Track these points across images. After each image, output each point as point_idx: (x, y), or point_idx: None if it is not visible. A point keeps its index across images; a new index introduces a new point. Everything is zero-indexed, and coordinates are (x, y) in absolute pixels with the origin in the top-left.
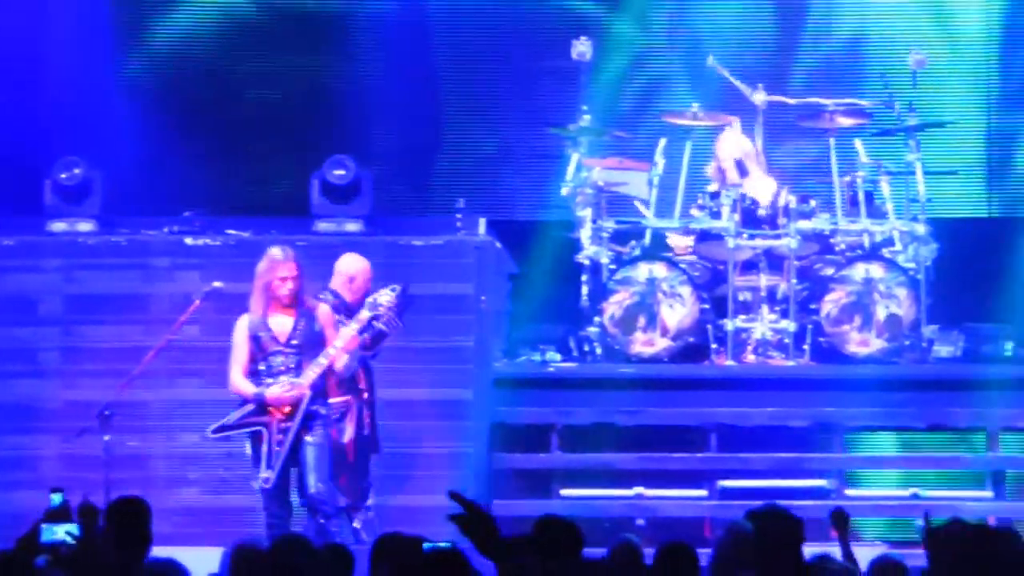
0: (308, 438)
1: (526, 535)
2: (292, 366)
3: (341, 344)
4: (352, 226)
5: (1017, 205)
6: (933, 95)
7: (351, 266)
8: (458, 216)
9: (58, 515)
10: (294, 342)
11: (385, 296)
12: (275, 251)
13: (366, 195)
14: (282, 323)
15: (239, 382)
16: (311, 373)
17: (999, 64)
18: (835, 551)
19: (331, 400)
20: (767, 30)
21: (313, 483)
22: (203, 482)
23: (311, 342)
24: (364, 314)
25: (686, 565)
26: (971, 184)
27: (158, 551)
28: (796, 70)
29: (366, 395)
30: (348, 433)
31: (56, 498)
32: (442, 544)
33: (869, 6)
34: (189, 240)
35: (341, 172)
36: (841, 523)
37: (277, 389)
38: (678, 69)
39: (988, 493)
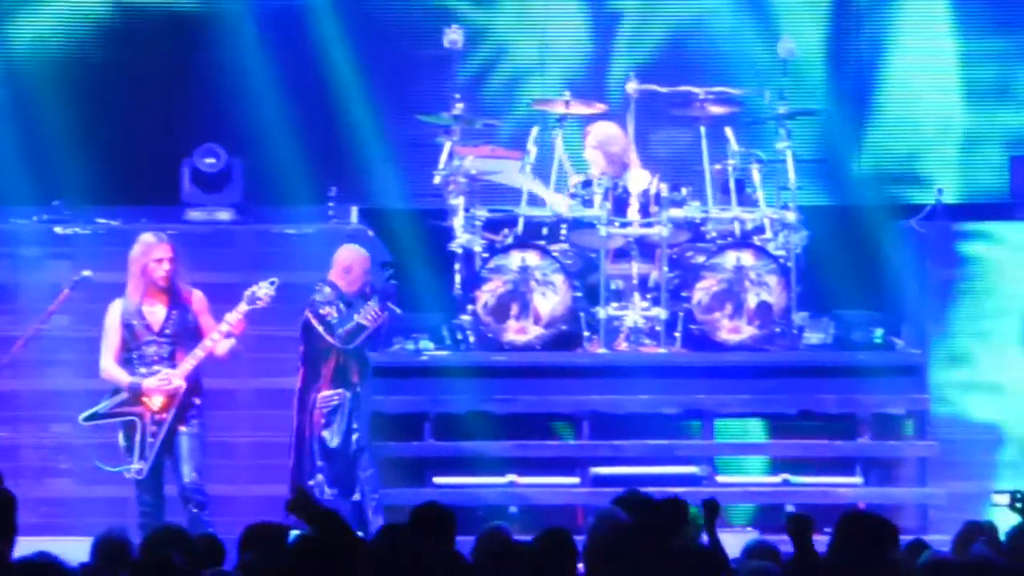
0: (183, 428)
1: (402, 523)
2: (165, 356)
3: (227, 328)
4: (223, 215)
5: (885, 192)
6: (804, 83)
7: (347, 257)
8: (330, 204)
9: None
10: (167, 331)
11: (263, 289)
12: (147, 236)
13: (237, 183)
14: (155, 312)
15: (112, 369)
16: (187, 364)
17: (870, 52)
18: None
19: (323, 393)
20: (640, 17)
21: (187, 473)
22: (74, 472)
23: (185, 331)
24: (242, 307)
25: (564, 551)
26: (841, 172)
27: (29, 542)
28: (668, 58)
29: (359, 389)
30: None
31: None
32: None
33: None
34: (59, 229)
35: (212, 160)
36: (711, 512)
37: (154, 381)
38: (550, 57)
39: (858, 479)
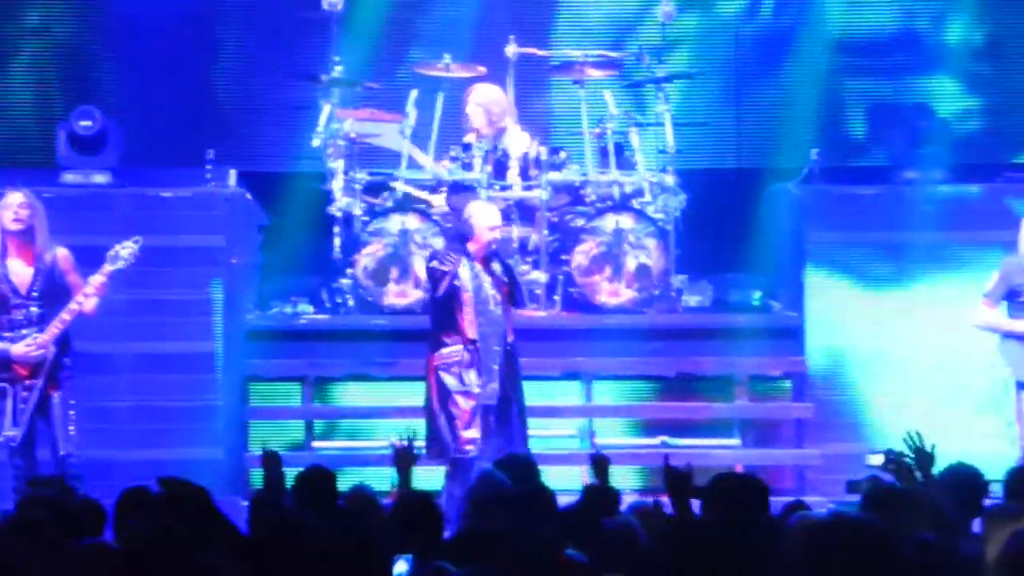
0: (55, 393)
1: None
2: (35, 319)
3: (91, 291)
4: (100, 177)
5: (764, 156)
6: (682, 46)
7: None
8: (208, 167)
9: None
10: (34, 293)
11: (127, 249)
12: (7, 192)
13: (114, 146)
14: (21, 274)
15: None
16: (55, 327)
17: (747, 15)
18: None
19: (445, 350)
20: None
21: (62, 445)
22: None
23: (53, 291)
24: (106, 267)
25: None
26: (719, 135)
27: None
28: (546, 21)
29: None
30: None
31: None
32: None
33: None
34: None
35: (88, 123)
36: (601, 468)
37: (21, 347)
38: (429, 20)
39: (736, 441)
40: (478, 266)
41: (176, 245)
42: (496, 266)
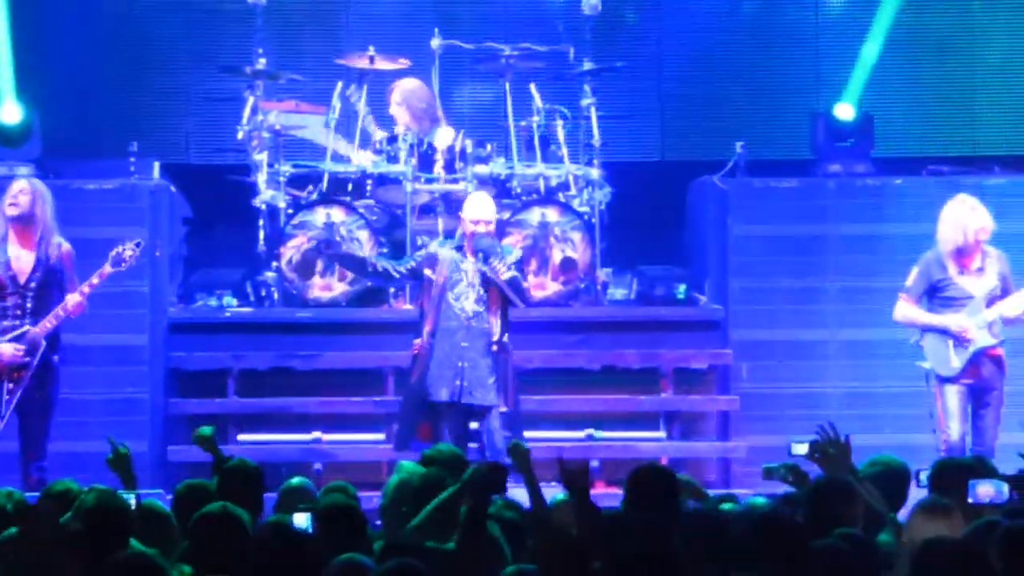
0: (39, 393)
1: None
2: (27, 312)
3: (88, 290)
4: (23, 170)
5: (688, 149)
6: (607, 39)
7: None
8: (131, 159)
9: None
10: (32, 284)
11: (128, 251)
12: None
13: (36, 138)
14: (23, 260)
15: None
16: (48, 323)
17: (671, 8)
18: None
19: (417, 340)
20: None
21: (33, 450)
22: None
23: (49, 284)
24: (107, 268)
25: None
26: (644, 128)
27: None
28: (472, 14)
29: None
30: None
31: None
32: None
33: None
34: None
35: (11, 115)
36: (520, 457)
37: (9, 348)
38: (354, 12)
39: (661, 433)
40: (469, 258)
41: (100, 237)
42: (493, 264)
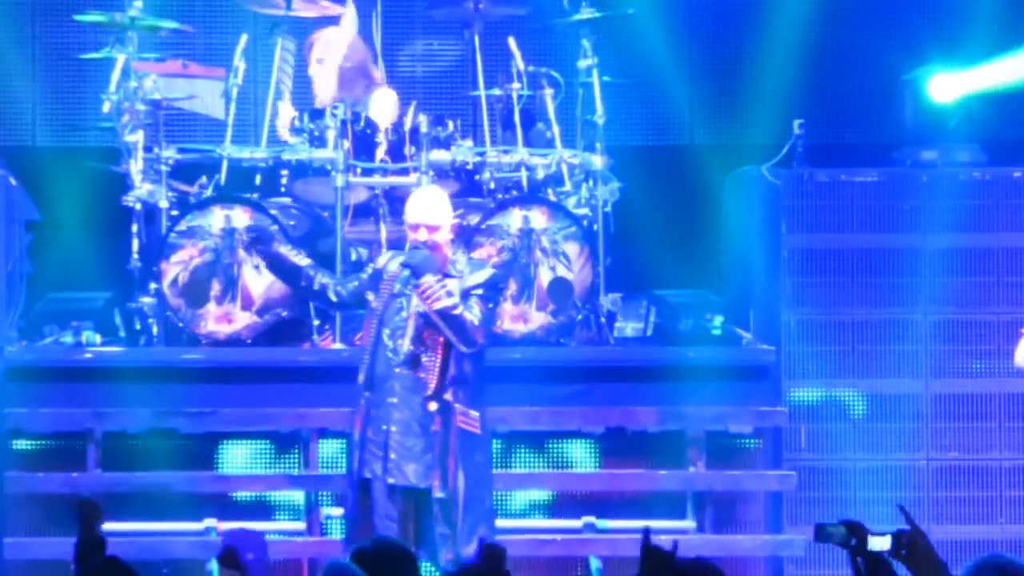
0: None
1: None
2: None
3: None
4: None
5: (726, 129)
6: None
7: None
8: None
9: None
10: None
11: None
12: None
13: None
14: None
15: None
16: None
17: None
18: None
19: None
20: None
21: None
22: None
23: None
24: None
25: None
26: (666, 101)
27: None
28: None
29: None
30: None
31: None
32: None
33: None
34: None
35: None
36: (494, 561)
37: None
38: None
39: (689, 523)
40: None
41: None
42: (422, 286)
